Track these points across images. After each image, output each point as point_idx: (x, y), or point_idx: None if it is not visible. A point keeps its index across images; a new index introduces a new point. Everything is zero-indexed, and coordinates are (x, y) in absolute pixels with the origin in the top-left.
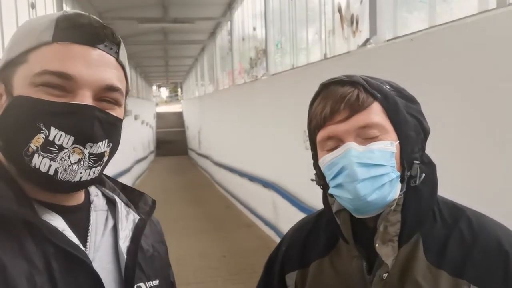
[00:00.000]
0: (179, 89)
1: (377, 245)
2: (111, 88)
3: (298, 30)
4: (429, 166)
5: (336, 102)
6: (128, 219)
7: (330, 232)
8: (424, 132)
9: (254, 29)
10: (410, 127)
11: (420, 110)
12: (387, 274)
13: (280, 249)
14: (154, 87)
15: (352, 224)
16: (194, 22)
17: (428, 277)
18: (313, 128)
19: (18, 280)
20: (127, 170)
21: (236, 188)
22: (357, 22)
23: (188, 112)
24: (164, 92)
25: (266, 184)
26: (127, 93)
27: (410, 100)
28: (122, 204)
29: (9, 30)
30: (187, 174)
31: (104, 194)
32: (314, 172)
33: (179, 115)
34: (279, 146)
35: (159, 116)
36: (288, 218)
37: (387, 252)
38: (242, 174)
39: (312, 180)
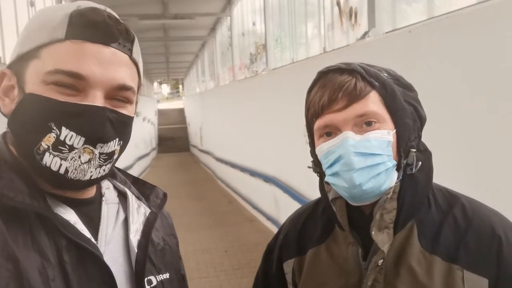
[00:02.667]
0: (180, 86)
1: (373, 232)
2: (123, 88)
3: (298, 24)
4: (425, 154)
5: (334, 91)
6: (139, 212)
7: (326, 219)
8: (420, 120)
9: (254, 24)
10: (407, 115)
11: (417, 98)
12: (382, 260)
13: (278, 237)
14: (155, 84)
15: (348, 211)
16: (194, 18)
17: (422, 262)
18: (311, 116)
19: (31, 272)
20: (129, 167)
21: (238, 183)
22: (355, 15)
23: (189, 109)
24: (166, 89)
25: (267, 179)
26: (139, 87)
27: (408, 87)
28: (133, 197)
29: (8, 28)
30: (189, 170)
31: (115, 187)
32: (311, 159)
33: (181, 111)
34: (279, 140)
35: (161, 113)
36: (289, 212)
37: (382, 239)
38: (243, 169)
39: (309, 167)
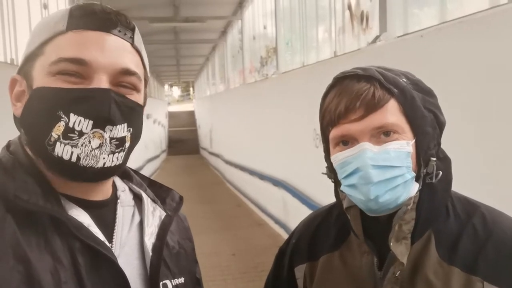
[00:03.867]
0: (191, 88)
1: (391, 244)
2: (127, 72)
3: (308, 28)
4: (445, 162)
5: (351, 100)
6: (154, 215)
7: (341, 225)
8: (439, 126)
9: (265, 27)
10: (427, 123)
11: (437, 103)
12: (399, 271)
13: (290, 241)
14: (166, 87)
15: (363, 218)
16: (205, 21)
17: (440, 273)
18: (326, 124)
19: (42, 275)
20: (139, 169)
21: (246, 186)
22: (367, 19)
23: (199, 111)
24: (176, 91)
25: (276, 183)
26: (146, 80)
27: (427, 93)
28: (149, 200)
29: (22, 30)
30: (199, 173)
31: (131, 190)
32: (326, 165)
33: (191, 114)
34: (289, 144)
35: (171, 115)
36: (298, 217)
37: (401, 251)
38: (252, 172)
39: (323, 173)
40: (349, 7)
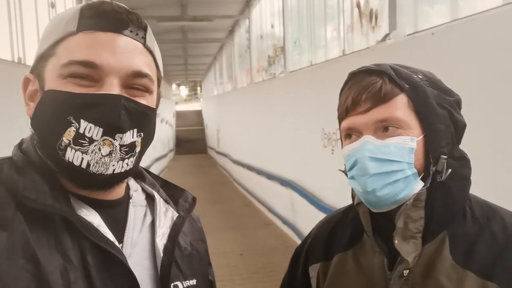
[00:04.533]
0: (199, 88)
1: (396, 241)
2: (139, 74)
3: (316, 27)
4: (461, 161)
5: (358, 93)
6: (166, 216)
7: (357, 226)
8: (456, 125)
9: (272, 26)
10: (439, 120)
11: (453, 102)
12: (408, 271)
13: (306, 241)
14: (174, 86)
15: (376, 219)
16: (212, 20)
17: (453, 277)
18: (339, 118)
19: (51, 274)
20: (147, 168)
21: (254, 186)
22: (376, 17)
23: (207, 111)
24: (184, 91)
25: (284, 183)
26: (159, 80)
27: (444, 91)
28: (161, 200)
29: (29, 29)
30: (206, 172)
31: (143, 190)
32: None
33: (199, 113)
34: (297, 144)
35: (179, 115)
36: (306, 217)
37: (407, 249)
38: (260, 172)
39: (340, 170)
40: (358, 5)
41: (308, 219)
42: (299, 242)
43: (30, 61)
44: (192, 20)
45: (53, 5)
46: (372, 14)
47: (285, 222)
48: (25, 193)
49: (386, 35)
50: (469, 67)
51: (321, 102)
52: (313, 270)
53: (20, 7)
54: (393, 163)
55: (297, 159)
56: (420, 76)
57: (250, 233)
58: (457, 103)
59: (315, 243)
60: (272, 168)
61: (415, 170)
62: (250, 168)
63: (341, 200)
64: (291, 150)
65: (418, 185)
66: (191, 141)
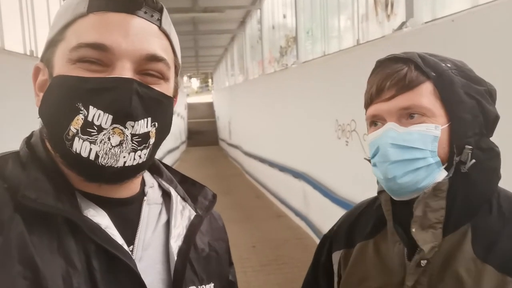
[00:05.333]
0: (210, 80)
1: (413, 229)
2: (154, 58)
3: (330, 16)
4: (488, 153)
5: (383, 80)
6: (183, 215)
7: (380, 215)
8: (485, 116)
9: (284, 16)
10: (465, 109)
11: (484, 92)
12: (426, 261)
13: (332, 229)
14: (185, 78)
15: (397, 208)
16: (223, 11)
17: (472, 270)
18: (365, 106)
19: (52, 281)
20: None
21: (266, 178)
22: (392, 5)
23: (218, 103)
24: (195, 83)
25: (297, 175)
26: (177, 67)
27: (474, 80)
28: (178, 197)
29: (41, 22)
30: (218, 164)
31: (160, 186)
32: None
33: (210, 105)
34: (309, 135)
35: (190, 107)
36: (319, 209)
37: (424, 238)
38: (272, 164)
39: (365, 158)
40: None
41: (321, 211)
42: (311, 234)
43: None
44: (203, 11)
45: None
46: (387, 2)
47: (297, 214)
48: (26, 193)
49: (403, 23)
50: (492, 55)
51: (335, 93)
52: (336, 257)
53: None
54: (415, 150)
55: (310, 151)
56: (448, 65)
57: (262, 225)
58: (489, 93)
59: (339, 230)
60: (284, 160)
61: (438, 159)
62: (262, 160)
63: (355, 192)
64: (304, 141)
65: (441, 174)
66: (203, 133)
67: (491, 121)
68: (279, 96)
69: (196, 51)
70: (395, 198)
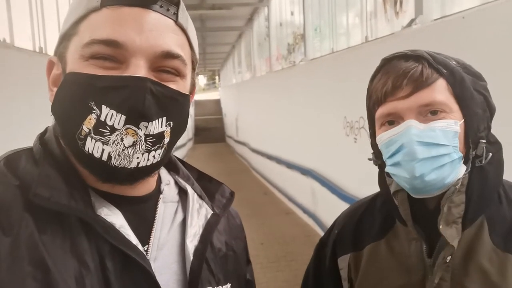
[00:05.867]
0: (217, 77)
1: (441, 226)
2: (169, 55)
3: (338, 13)
4: (495, 146)
5: (398, 77)
6: (200, 213)
7: (386, 214)
8: (490, 110)
9: (292, 13)
10: (477, 104)
11: (487, 87)
12: (450, 256)
13: (332, 232)
14: None
15: (410, 205)
16: (231, 8)
17: (495, 260)
18: (373, 104)
19: (63, 282)
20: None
21: (274, 175)
22: (401, 2)
23: (225, 99)
24: (202, 80)
25: (305, 171)
26: (194, 63)
27: (477, 76)
28: (195, 195)
29: (50, 19)
30: (225, 161)
31: (177, 183)
32: (372, 151)
33: (217, 102)
34: (317, 132)
35: (197, 104)
36: (327, 206)
37: (452, 234)
38: (280, 161)
39: (369, 159)
40: None
41: (329, 208)
42: (319, 231)
43: (51, 50)
44: (211, 8)
45: None
46: None
47: (305, 211)
48: (38, 191)
49: (412, 20)
50: (504, 53)
51: (343, 90)
52: (343, 261)
53: None
54: (440, 147)
55: (319, 148)
56: (454, 62)
57: (270, 222)
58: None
59: (343, 234)
60: (292, 157)
61: (461, 154)
62: (269, 157)
63: (363, 189)
64: (312, 139)
65: (462, 169)
66: (210, 130)
67: (492, 115)
68: (287, 93)
69: (204, 48)
70: (416, 196)
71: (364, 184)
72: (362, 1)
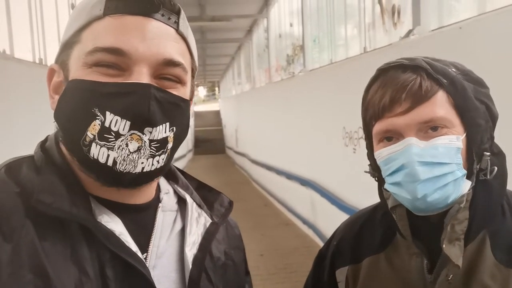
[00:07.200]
0: (217, 88)
1: (444, 245)
2: (171, 63)
3: (336, 24)
4: (499, 157)
5: (396, 91)
6: (198, 222)
7: (386, 226)
8: (492, 119)
9: (291, 25)
10: (479, 115)
11: (489, 94)
12: (452, 274)
13: (331, 243)
14: None
15: (410, 218)
16: (231, 20)
17: (497, 277)
18: (369, 118)
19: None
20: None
21: (273, 186)
22: (398, 13)
23: (225, 111)
24: (202, 91)
25: (304, 182)
26: (193, 71)
27: (479, 83)
28: (194, 204)
29: (50, 30)
30: (225, 172)
31: (176, 192)
32: (368, 163)
33: (217, 113)
34: (317, 143)
35: (197, 115)
36: (327, 217)
37: (456, 253)
38: (279, 172)
39: (366, 172)
40: (380, 1)
41: (329, 220)
42: (319, 242)
43: (51, 62)
44: (210, 20)
45: (73, 6)
46: (394, 10)
47: (305, 222)
48: (40, 197)
49: (410, 31)
50: (500, 62)
51: (342, 101)
52: (341, 274)
53: (41, 8)
54: (443, 165)
55: (318, 158)
56: (454, 70)
57: (270, 233)
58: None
59: (342, 245)
60: (292, 168)
61: (465, 171)
62: (269, 168)
63: (363, 199)
64: (311, 149)
65: (466, 186)
66: (210, 141)
67: (495, 123)
68: (286, 104)
69: (204, 60)
70: (417, 214)
71: (364, 195)
72: (361, 12)
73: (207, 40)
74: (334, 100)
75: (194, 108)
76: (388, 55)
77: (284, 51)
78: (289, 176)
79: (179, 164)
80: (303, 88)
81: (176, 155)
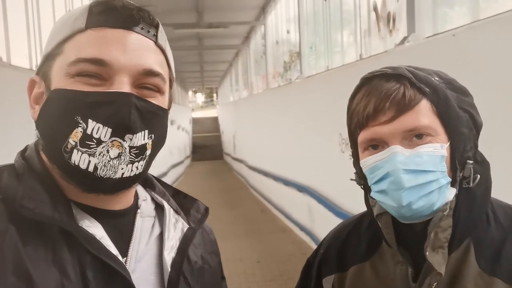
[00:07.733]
0: (215, 95)
1: (427, 253)
2: (151, 73)
3: (333, 31)
4: (483, 165)
5: (380, 100)
6: (176, 227)
7: (372, 234)
8: (476, 127)
9: (288, 32)
10: (462, 123)
11: (473, 102)
12: (436, 283)
13: (319, 252)
14: (190, 93)
15: (396, 226)
16: (228, 26)
17: (481, 285)
18: (354, 127)
19: None
20: (164, 175)
21: (271, 192)
22: (394, 20)
23: (223, 117)
24: (200, 98)
25: (301, 189)
26: (171, 81)
27: (462, 92)
28: (171, 210)
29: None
30: (222, 178)
31: (153, 199)
32: (354, 171)
33: (215, 120)
34: (313, 149)
35: (195, 121)
36: (324, 223)
37: (438, 260)
38: (276, 178)
39: (351, 179)
40: (375, 9)
41: (326, 226)
42: None
43: None
44: (208, 26)
45: None
46: (389, 17)
47: (302, 228)
48: (23, 202)
49: (405, 38)
50: (493, 69)
51: (339, 107)
52: (328, 282)
53: (38, 15)
54: (428, 173)
55: (315, 165)
56: (437, 79)
57: (267, 240)
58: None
59: (328, 254)
60: (289, 174)
61: (449, 179)
62: (266, 174)
63: (359, 206)
64: (308, 156)
65: (451, 193)
66: (208, 147)
67: (479, 132)
68: (283, 111)
69: (201, 66)
70: (403, 222)
71: (361, 201)
72: (356, 19)
73: (204, 46)
74: (331, 106)
75: (192, 114)
76: (384, 62)
77: (281, 58)
78: (286, 182)
79: (177, 170)
80: (300, 95)
81: (173, 162)
